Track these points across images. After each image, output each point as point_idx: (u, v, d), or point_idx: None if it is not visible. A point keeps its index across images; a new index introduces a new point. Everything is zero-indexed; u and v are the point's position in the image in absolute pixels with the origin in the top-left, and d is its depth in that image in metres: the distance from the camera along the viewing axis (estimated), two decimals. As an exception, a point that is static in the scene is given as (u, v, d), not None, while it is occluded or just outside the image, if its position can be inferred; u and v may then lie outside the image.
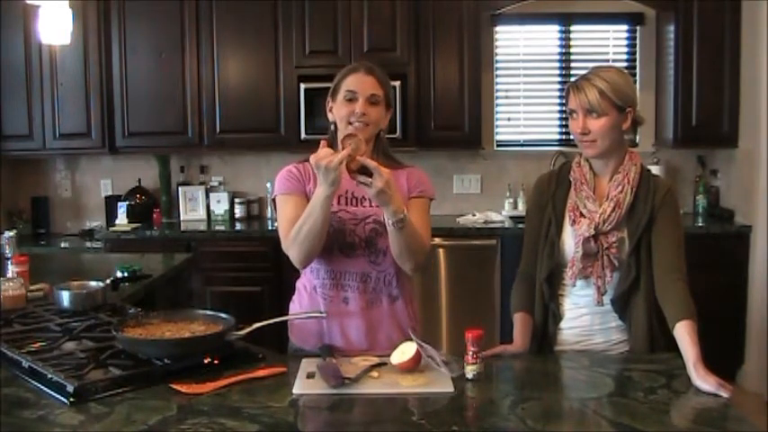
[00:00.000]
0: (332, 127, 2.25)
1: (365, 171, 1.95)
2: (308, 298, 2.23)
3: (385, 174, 1.95)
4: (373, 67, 2.21)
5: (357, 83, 2.16)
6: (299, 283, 2.30)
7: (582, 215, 2.14)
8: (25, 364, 1.84)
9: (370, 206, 2.18)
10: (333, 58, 4.54)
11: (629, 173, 2.12)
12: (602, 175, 2.18)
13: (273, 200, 2.28)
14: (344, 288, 2.18)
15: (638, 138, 5.00)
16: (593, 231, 2.09)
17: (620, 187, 2.11)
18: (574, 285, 2.17)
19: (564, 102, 2.17)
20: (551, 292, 2.21)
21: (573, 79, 2.16)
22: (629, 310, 2.15)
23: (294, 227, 2.10)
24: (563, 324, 2.21)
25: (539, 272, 2.24)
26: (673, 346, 2.03)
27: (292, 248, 2.12)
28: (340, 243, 2.15)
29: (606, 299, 2.14)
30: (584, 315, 2.18)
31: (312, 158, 1.98)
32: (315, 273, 2.20)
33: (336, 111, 2.20)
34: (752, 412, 3.59)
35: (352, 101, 2.16)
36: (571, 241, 2.16)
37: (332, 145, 2.25)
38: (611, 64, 2.30)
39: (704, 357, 1.89)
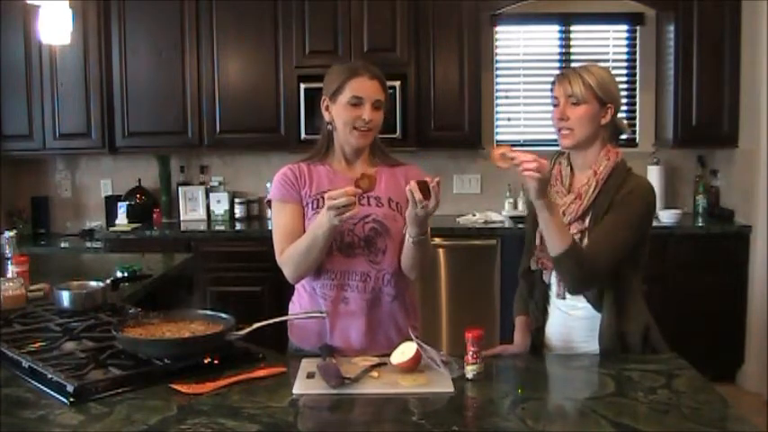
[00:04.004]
0: (328, 126, 2.24)
1: (423, 187, 1.99)
2: (307, 298, 2.23)
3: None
4: (376, 71, 2.20)
5: (363, 88, 2.15)
6: (298, 284, 2.30)
7: None
8: (25, 364, 1.84)
9: (369, 205, 2.18)
10: (333, 58, 4.53)
11: (599, 167, 2.12)
12: (580, 172, 2.19)
13: (268, 201, 2.28)
14: (344, 288, 2.18)
15: (637, 138, 5.02)
16: None
17: (585, 180, 2.13)
18: (550, 282, 2.17)
19: (550, 92, 2.19)
20: (529, 285, 2.24)
21: (560, 71, 2.20)
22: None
23: (292, 247, 2.13)
24: (548, 323, 2.22)
25: (520, 266, 2.28)
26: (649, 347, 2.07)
27: (288, 267, 2.16)
28: (339, 243, 2.15)
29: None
30: (564, 315, 2.18)
31: (327, 198, 1.97)
32: (314, 273, 2.20)
33: (337, 113, 2.18)
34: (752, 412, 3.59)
35: (358, 106, 2.15)
36: None
37: (328, 145, 2.26)
38: (599, 63, 2.32)
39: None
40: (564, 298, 2.14)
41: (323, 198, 2.14)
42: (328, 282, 2.18)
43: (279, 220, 2.22)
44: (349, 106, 2.15)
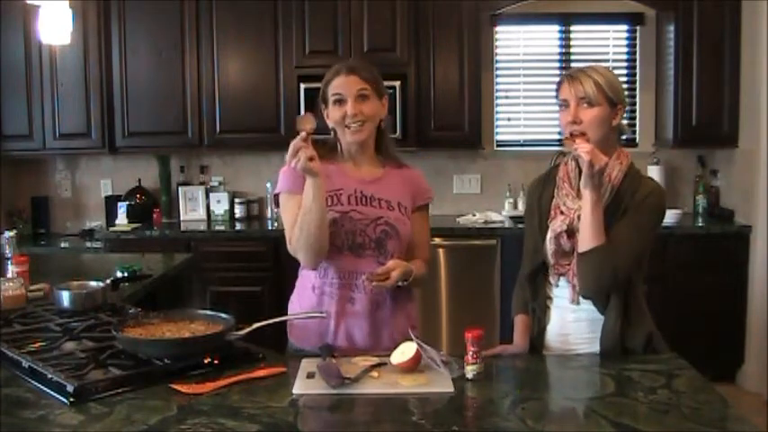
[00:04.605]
0: (332, 133, 2.26)
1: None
2: (308, 298, 2.23)
3: (402, 270, 2.11)
4: (354, 66, 2.22)
5: (341, 84, 2.17)
6: (298, 282, 2.30)
7: (562, 213, 2.12)
8: (25, 364, 1.84)
9: (380, 208, 2.20)
10: (333, 58, 4.50)
11: (613, 171, 2.07)
12: None
13: (276, 196, 2.27)
14: (351, 288, 2.18)
15: (637, 138, 5.03)
16: (564, 227, 2.08)
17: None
18: (557, 286, 2.16)
19: (555, 94, 2.12)
20: (533, 290, 2.21)
21: (566, 71, 2.14)
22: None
23: (295, 230, 2.11)
24: (548, 326, 2.19)
25: (522, 269, 2.25)
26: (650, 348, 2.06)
27: (300, 251, 2.14)
28: (350, 243, 2.16)
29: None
30: (567, 318, 2.15)
31: (288, 161, 2.02)
32: (323, 272, 2.20)
33: (330, 115, 2.22)
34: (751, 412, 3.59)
35: (342, 103, 2.17)
36: None
37: (335, 148, 2.27)
38: (599, 63, 2.28)
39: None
40: (578, 303, 2.11)
41: (336, 195, 2.18)
42: (337, 281, 2.18)
43: (288, 211, 2.19)
44: (336, 106, 2.18)
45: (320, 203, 2.06)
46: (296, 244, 2.13)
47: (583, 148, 1.95)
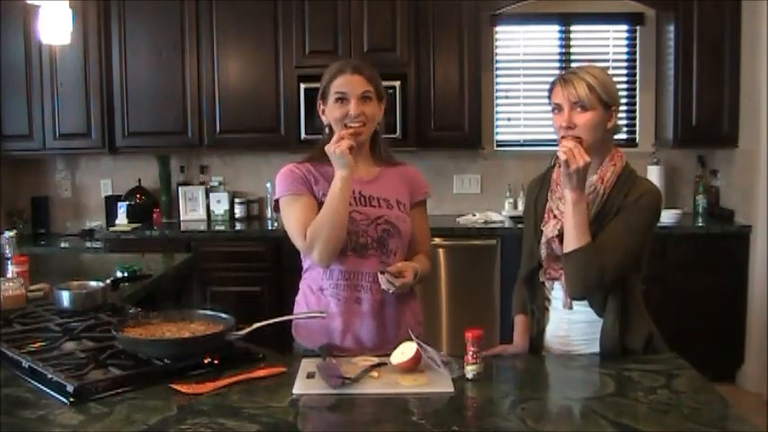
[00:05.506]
0: (326, 129, 2.25)
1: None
2: (314, 299, 2.22)
3: (412, 271, 2.14)
4: (359, 66, 2.21)
5: (346, 83, 2.16)
6: (302, 284, 2.29)
7: (554, 216, 2.11)
8: (25, 364, 1.84)
9: (380, 207, 2.20)
10: (333, 58, 4.45)
11: (606, 174, 2.06)
12: None
13: (276, 201, 2.25)
14: (357, 289, 2.18)
15: (637, 138, 5.02)
16: (556, 232, 2.07)
17: (591, 188, 2.05)
18: (552, 289, 2.15)
19: (548, 96, 2.10)
20: (531, 292, 2.20)
21: (559, 74, 2.11)
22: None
23: (313, 224, 2.10)
24: (547, 328, 2.19)
25: (521, 269, 2.25)
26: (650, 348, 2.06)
27: (318, 244, 2.10)
28: (353, 244, 2.16)
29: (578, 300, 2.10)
30: (565, 319, 2.15)
31: (327, 148, 2.08)
32: (328, 273, 2.19)
33: (329, 113, 2.20)
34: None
35: (344, 102, 2.16)
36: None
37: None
38: (597, 63, 2.24)
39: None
40: (571, 308, 2.10)
41: None
42: (342, 282, 2.18)
43: (293, 213, 2.17)
44: (337, 105, 2.17)
45: (346, 198, 2.08)
46: (312, 238, 2.10)
47: (561, 148, 1.95)
